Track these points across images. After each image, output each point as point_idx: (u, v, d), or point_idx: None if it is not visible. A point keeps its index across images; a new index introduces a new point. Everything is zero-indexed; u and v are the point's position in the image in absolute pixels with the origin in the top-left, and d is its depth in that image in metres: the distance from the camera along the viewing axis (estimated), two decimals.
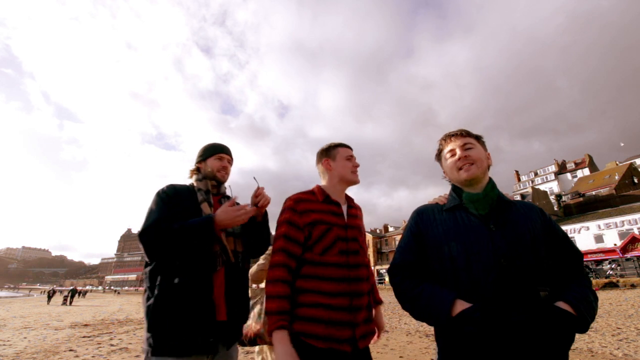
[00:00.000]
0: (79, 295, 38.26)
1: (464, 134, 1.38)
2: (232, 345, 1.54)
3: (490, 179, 1.36)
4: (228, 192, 1.85)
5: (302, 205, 1.53)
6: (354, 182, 1.70)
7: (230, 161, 1.86)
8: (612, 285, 21.35)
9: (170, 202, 1.53)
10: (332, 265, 1.45)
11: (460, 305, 1.10)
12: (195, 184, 1.69)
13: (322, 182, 1.73)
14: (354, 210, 1.69)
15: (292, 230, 1.48)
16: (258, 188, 1.75)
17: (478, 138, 1.40)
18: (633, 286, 20.69)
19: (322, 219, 1.51)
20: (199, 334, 1.38)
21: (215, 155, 1.79)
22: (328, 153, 1.71)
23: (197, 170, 1.81)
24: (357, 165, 1.72)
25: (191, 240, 1.42)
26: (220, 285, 1.50)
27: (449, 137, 1.41)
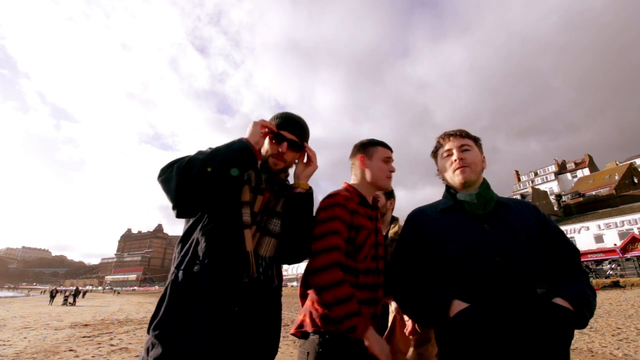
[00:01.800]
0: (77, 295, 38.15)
1: (462, 134, 1.38)
2: None
3: (484, 179, 1.37)
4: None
5: (351, 204, 1.40)
6: (386, 188, 1.57)
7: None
8: (615, 285, 21.25)
9: None
10: (364, 272, 1.39)
11: (458, 306, 1.11)
12: None
13: (352, 180, 1.59)
14: (379, 212, 1.61)
15: (344, 228, 1.33)
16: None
17: (476, 140, 1.40)
18: (620, 286, 20.62)
19: (364, 223, 1.41)
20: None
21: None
22: (365, 149, 1.56)
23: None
24: (392, 170, 1.56)
25: (223, 160, 1.13)
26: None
27: (447, 136, 1.41)
